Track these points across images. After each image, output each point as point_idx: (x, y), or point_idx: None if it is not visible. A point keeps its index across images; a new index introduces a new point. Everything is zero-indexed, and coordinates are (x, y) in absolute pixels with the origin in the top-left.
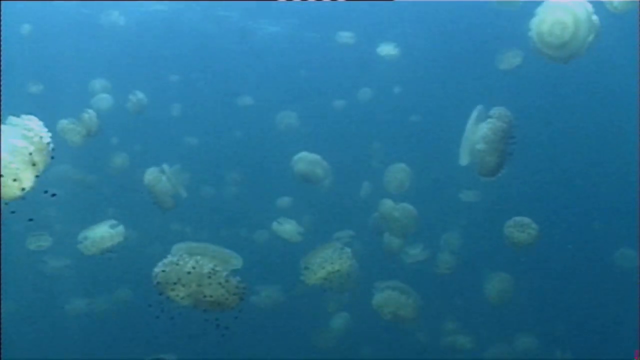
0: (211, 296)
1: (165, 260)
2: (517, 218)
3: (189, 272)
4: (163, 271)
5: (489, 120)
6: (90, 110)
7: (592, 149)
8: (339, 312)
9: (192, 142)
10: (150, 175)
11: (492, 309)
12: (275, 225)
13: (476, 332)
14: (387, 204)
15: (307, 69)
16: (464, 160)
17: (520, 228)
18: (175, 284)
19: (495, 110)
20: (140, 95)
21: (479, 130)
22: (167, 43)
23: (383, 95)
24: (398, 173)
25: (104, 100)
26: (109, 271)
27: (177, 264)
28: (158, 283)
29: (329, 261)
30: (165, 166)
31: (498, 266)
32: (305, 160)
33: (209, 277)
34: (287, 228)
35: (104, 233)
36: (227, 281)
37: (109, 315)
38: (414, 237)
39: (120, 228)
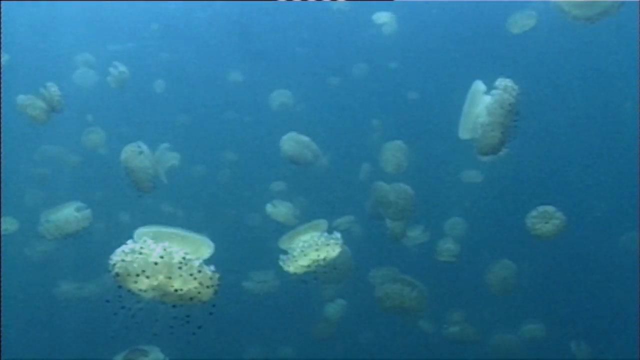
0: (181, 289)
1: (125, 248)
2: (541, 208)
3: (155, 263)
4: (123, 261)
5: (494, 91)
6: (50, 84)
7: (602, 128)
8: (336, 299)
9: (180, 120)
10: (127, 152)
11: (496, 297)
12: (269, 208)
13: (481, 320)
14: (381, 187)
15: (299, 41)
16: (463, 134)
17: (544, 218)
18: (138, 275)
19: (501, 82)
20: (122, 68)
21: (483, 102)
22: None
23: (380, 71)
24: (396, 152)
25: (85, 75)
26: (94, 255)
27: (141, 253)
28: (117, 275)
29: (314, 247)
30: (141, 143)
31: (501, 253)
32: (294, 141)
33: (180, 268)
34: (282, 210)
35: (68, 216)
36: (199, 272)
37: (99, 300)
38: (413, 220)
39: (88, 212)
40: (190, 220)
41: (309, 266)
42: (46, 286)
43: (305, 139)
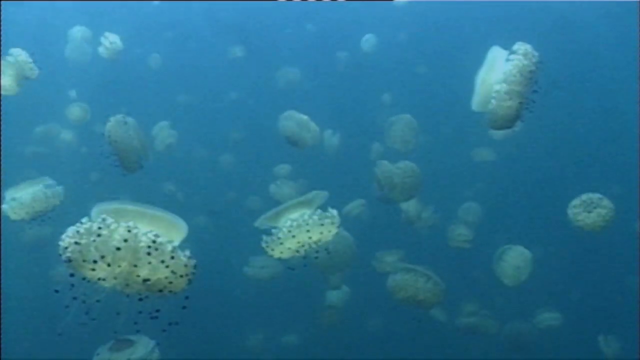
0: (150, 279)
1: (79, 228)
2: (584, 196)
3: (118, 248)
4: (76, 244)
5: (513, 56)
6: (18, 50)
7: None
8: (341, 286)
9: (179, 99)
10: (111, 122)
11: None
12: (273, 188)
13: (495, 309)
14: (385, 166)
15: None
16: (476, 105)
17: (588, 207)
18: (96, 262)
19: (520, 46)
20: (113, 38)
21: (500, 69)
22: None
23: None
24: (404, 127)
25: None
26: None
27: (99, 235)
28: (69, 260)
29: (304, 227)
30: (124, 116)
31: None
32: (292, 120)
33: (148, 254)
34: (286, 191)
35: (35, 194)
36: (172, 258)
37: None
38: (422, 201)
39: (59, 189)
40: (189, 202)
41: (297, 250)
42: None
43: (304, 117)
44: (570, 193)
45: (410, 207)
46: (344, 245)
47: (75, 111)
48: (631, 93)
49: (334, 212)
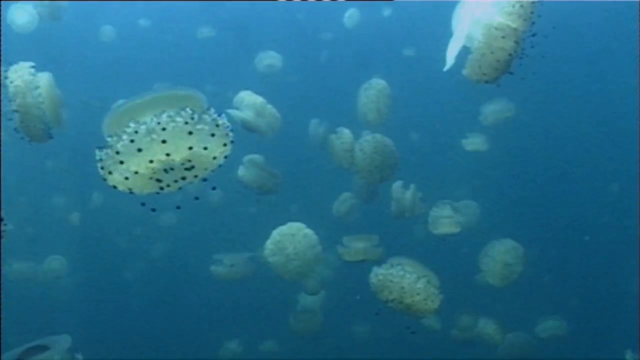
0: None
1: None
2: None
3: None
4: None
5: None
6: None
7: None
8: (319, 290)
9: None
10: (18, 77)
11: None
12: (241, 171)
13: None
14: (345, 134)
15: None
16: (455, 43)
17: None
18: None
19: None
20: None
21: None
22: None
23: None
24: (379, 95)
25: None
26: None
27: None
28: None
29: (159, 134)
30: (31, 69)
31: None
32: (246, 103)
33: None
34: (255, 173)
35: None
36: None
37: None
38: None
39: None
40: (145, 198)
41: (153, 179)
42: None
43: (261, 100)
44: (569, 190)
45: (403, 195)
46: (307, 244)
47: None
48: (631, 93)
49: (223, 118)
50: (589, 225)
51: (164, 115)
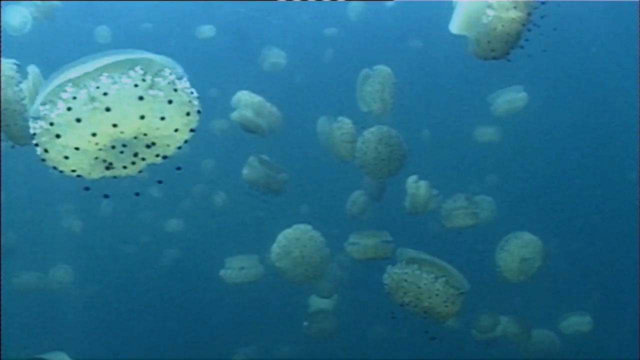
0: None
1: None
2: None
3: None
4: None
5: None
6: None
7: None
8: (332, 294)
9: None
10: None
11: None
12: (245, 170)
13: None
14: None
15: None
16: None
17: None
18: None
19: None
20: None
21: None
22: None
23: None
24: (383, 82)
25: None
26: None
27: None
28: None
29: (100, 100)
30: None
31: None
32: (244, 103)
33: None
34: (263, 171)
35: None
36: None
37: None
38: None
39: None
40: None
41: (101, 155)
42: None
43: (258, 99)
44: (587, 180)
45: (417, 191)
46: (313, 247)
47: None
48: (631, 93)
49: (185, 83)
50: (609, 216)
51: (105, 76)
